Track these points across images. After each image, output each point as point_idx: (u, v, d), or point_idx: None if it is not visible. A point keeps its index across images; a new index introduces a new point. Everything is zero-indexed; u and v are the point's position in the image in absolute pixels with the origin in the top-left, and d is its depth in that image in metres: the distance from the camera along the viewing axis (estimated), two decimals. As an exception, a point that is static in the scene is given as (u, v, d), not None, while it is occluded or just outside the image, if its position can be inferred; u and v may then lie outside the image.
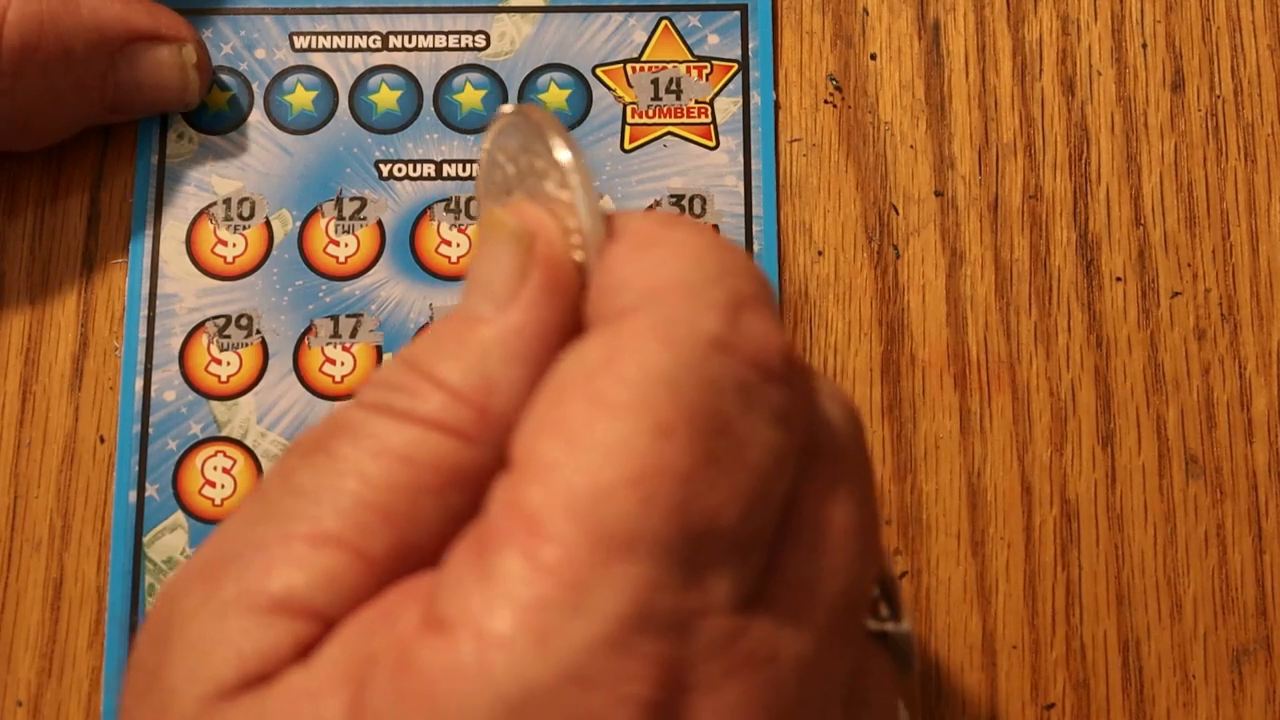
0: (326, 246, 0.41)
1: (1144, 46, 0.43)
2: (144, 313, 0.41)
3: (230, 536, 0.27)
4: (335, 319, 0.41)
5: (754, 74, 0.42)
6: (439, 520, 0.26)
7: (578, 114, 0.42)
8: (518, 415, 0.26)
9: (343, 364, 0.40)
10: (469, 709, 0.23)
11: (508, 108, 0.30)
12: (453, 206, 0.42)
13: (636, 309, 0.26)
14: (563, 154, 0.28)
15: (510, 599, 0.24)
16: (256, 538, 0.26)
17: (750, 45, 0.43)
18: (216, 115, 0.42)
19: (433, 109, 0.42)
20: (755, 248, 0.41)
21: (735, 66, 0.43)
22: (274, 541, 0.26)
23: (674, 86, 0.43)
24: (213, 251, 0.41)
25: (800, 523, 0.26)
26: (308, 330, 0.41)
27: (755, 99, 0.42)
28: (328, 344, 0.41)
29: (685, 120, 0.42)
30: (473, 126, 0.42)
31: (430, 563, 0.26)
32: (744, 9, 0.43)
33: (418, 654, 0.24)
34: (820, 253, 0.41)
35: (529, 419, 0.26)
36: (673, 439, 0.25)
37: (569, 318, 0.28)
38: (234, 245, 0.41)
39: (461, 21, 0.43)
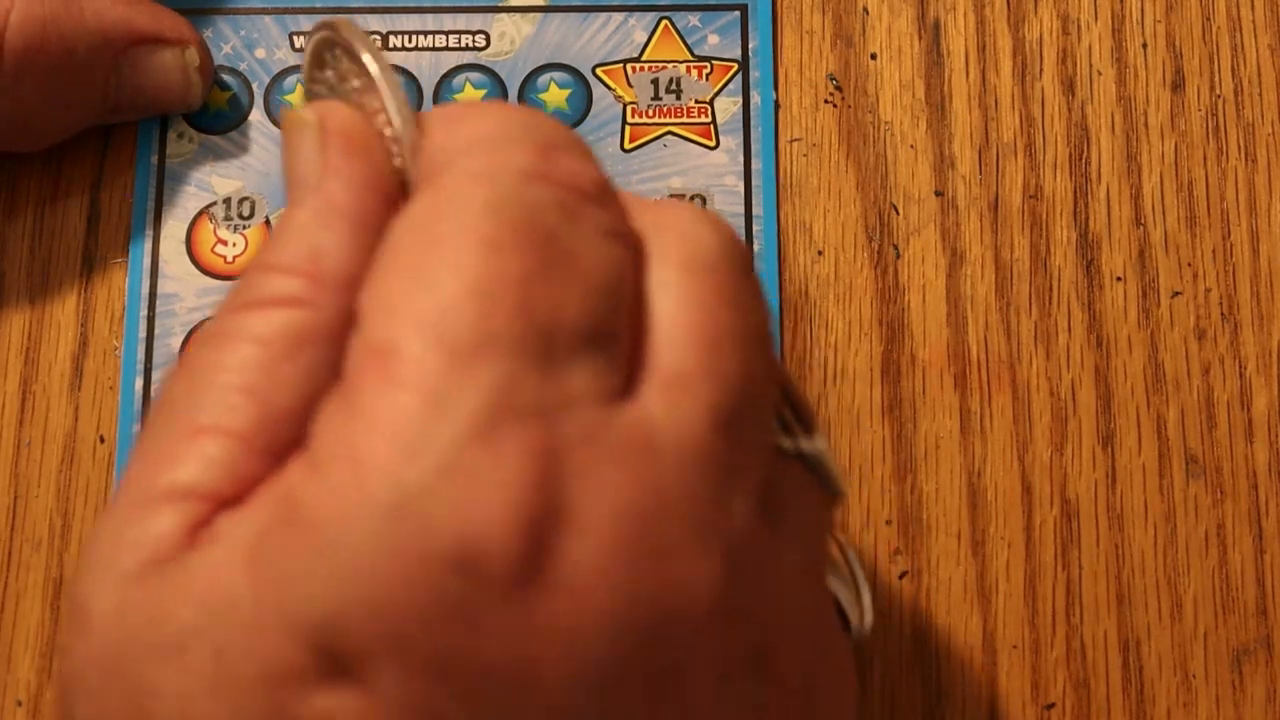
0: (326, 246, 0.41)
1: (1144, 46, 0.43)
2: (144, 313, 0.41)
3: (126, 468, 0.29)
4: (335, 319, 0.41)
5: (754, 74, 0.43)
6: (299, 383, 0.28)
7: (578, 114, 0.42)
8: (353, 269, 0.28)
9: (343, 364, 0.40)
10: (350, 523, 0.24)
11: (323, 23, 0.32)
12: (453, 206, 0.42)
13: (451, 163, 0.28)
14: (370, 63, 0.30)
15: (376, 421, 0.25)
16: (143, 454, 0.28)
17: (750, 45, 0.43)
18: (216, 115, 0.42)
19: (433, 108, 0.42)
20: (755, 247, 0.41)
21: (735, 66, 0.43)
22: (158, 449, 0.28)
23: (674, 86, 0.43)
24: (213, 251, 0.41)
25: (662, 323, 0.27)
26: (308, 330, 0.41)
27: (755, 99, 0.42)
28: (328, 344, 0.41)
29: (685, 120, 0.42)
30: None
31: (306, 423, 0.28)
32: (744, 9, 0.43)
33: (299, 495, 0.26)
34: (820, 252, 0.41)
35: (370, 278, 0.27)
36: (502, 251, 0.26)
37: (381, 177, 0.29)
38: (234, 245, 0.41)
39: (461, 21, 0.43)
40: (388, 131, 0.30)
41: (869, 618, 0.33)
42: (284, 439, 0.27)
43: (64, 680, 0.27)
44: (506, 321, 0.26)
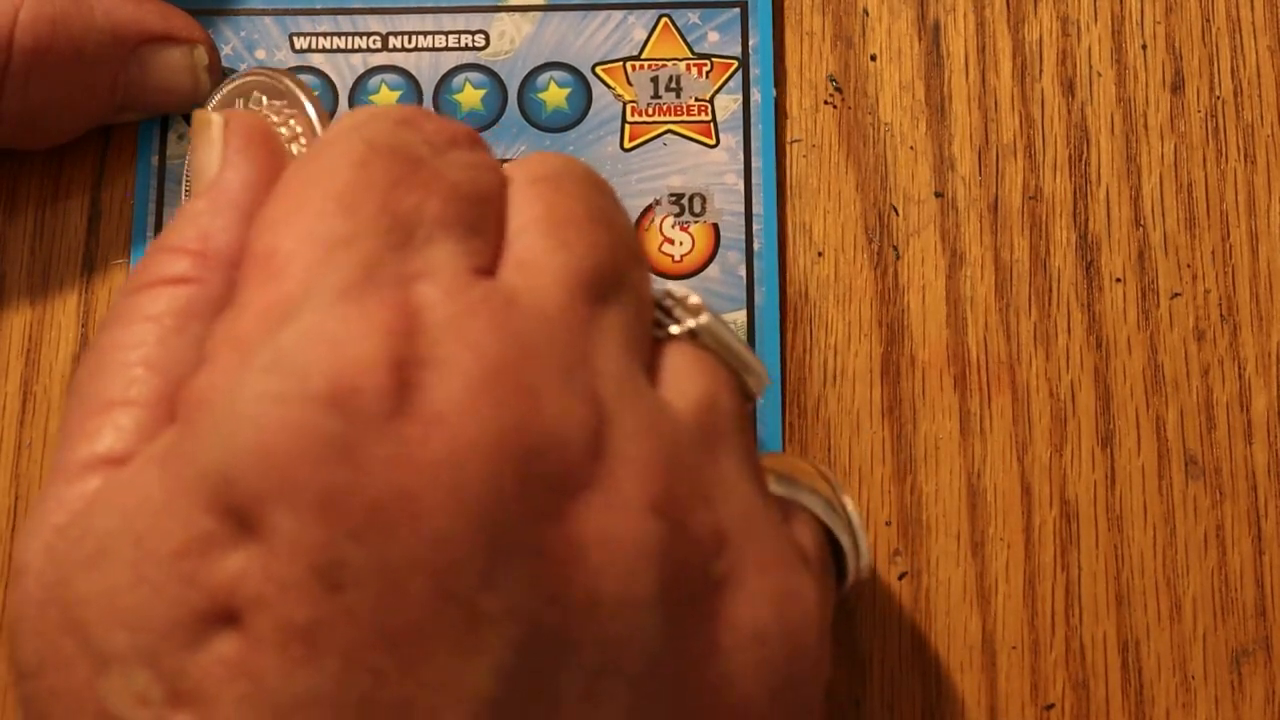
0: (327, 247, 0.41)
1: (1144, 47, 0.43)
2: (145, 314, 0.41)
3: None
4: (336, 320, 0.41)
5: (754, 71, 0.42)
6: (192, 350, 0.29)
7: (577, 113, 0.42)
8: (240, 248, 0.30)
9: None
10: (234, 390, 0.26)
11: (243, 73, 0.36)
12: (453, 207, 0.42)
13: (335, 126, 0.31)
14: (285, 81, 0.35)
15: (254, 308, 0.28)
16: (61, 439, 0.30)
17: (750, 42, 0.43)
18: (216, 116, 0.42)
19: (432, 109, 0.42)
20: (755, 247, 0.41)
21: (735, 64, 0.43)
22: (71, 431, 0.30)
23: (674, 84, 0.43)
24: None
25: (521, 220, 0.30)
26: (308, 331, 0.41)
27: (755, 96, 0.42)
28: (328, 345, 0.41)
29: (685, 118, 0.42)
30: (473, 126, 0.42)
31: None
32: (744, 6, 0.43)
33: (193, 392, 0.28)
34: (820, 253, 0.41)
35: (259, 214, 0.30)
36: (369, 167, 0.29)
37: (277, 171, 0.31)
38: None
39: (461, 21, 0.43)
40: (302, 142, 0.33)
41: (865, 559, 0.34)
42: None
43: (9, 637, 0.29)
44: (370, 215, 0.28)
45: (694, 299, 0.32)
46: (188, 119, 0.42)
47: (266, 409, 0.26)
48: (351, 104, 0.42)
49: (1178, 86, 0.43)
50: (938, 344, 0.41)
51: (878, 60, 0.43)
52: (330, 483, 0.25)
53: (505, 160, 0.32)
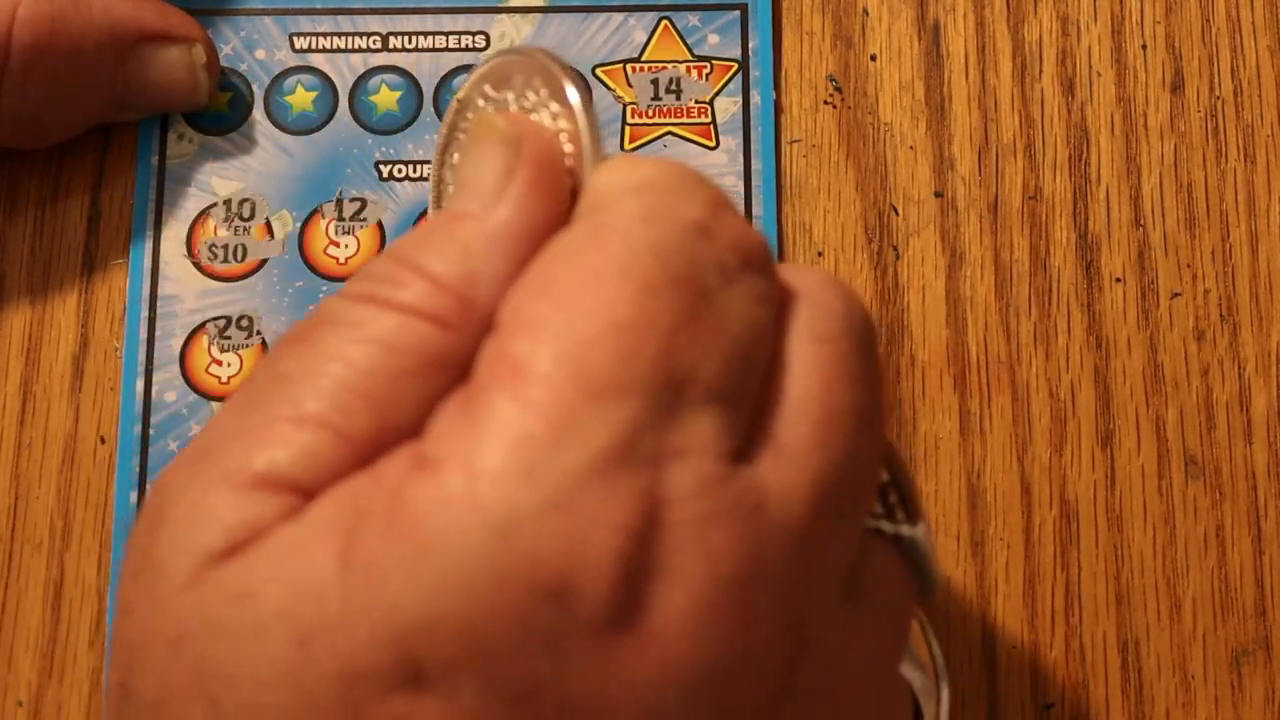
0: (327, 248, 0.41)
1: (1144, 47, 0.43)
2: (144, 314, 0.41)
3: (218, 426, 0.28)
4: (335, 320, 0.41)
5: (754, 73, 0.43)
6: (420, 403, 0.27)
7: (578, 114, 0.42)
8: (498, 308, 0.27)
9: (343, 365, 0.40)
10: (457, 535, 0.24)
11: (518, 50, 0.31)
12: (453, 207, 0.42)
13: (621, 199, 0.28)
14: (569, 86, 0.29)
15: (498, 435, 0.25)
16: (241, 423, 0.27)
17: (750, 45, 0.43)
18: (217, 116, 0.42)
19: (433, 110, 0.42)
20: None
21: (735, 66, 0.43)
22: (258, 424, 0.27)
23: (674, 86, 0.43)
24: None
25: (787, 392, 0.27)
26: (308, 331, 0.41)
27: (755, 99, 0.42)
28: (328, 345, 0.41)
29: (685, 120, 0.42)
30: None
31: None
32: (744, 8, 0.43)
33: (406, 492, 0.25)
34: (820, 253, 0.41)
35: (516, 288, 0.27)
36: (656, 297, 0.26)
37: (556, 219, 0.29)
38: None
39: (461, 22, 0.43)
40: (568, 150, 0.29)
41: (945, 712, 0.33)
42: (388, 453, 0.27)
43: (125, 644, 0.26)
44: (646, 368, 0.25)
45: (918, 500, 0.30)
46: (187, 119, 0.42)
47: (488, 580, 0.24)
48: (351, 104, 0.42)
49: (1178, 86, 0.43)
50: (937, 344, 0.41)
51: (878, 60, 0.43)
52: (530, 673, 0.24)
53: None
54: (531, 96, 0.30)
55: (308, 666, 0.24)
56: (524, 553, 0.24)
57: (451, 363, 0.27)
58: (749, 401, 0.27)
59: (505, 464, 0.25)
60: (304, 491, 0.26)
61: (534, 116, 0.30)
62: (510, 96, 0.31)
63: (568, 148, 0.29)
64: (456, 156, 0.32)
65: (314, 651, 0.24)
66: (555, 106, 0.30)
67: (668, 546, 0.25)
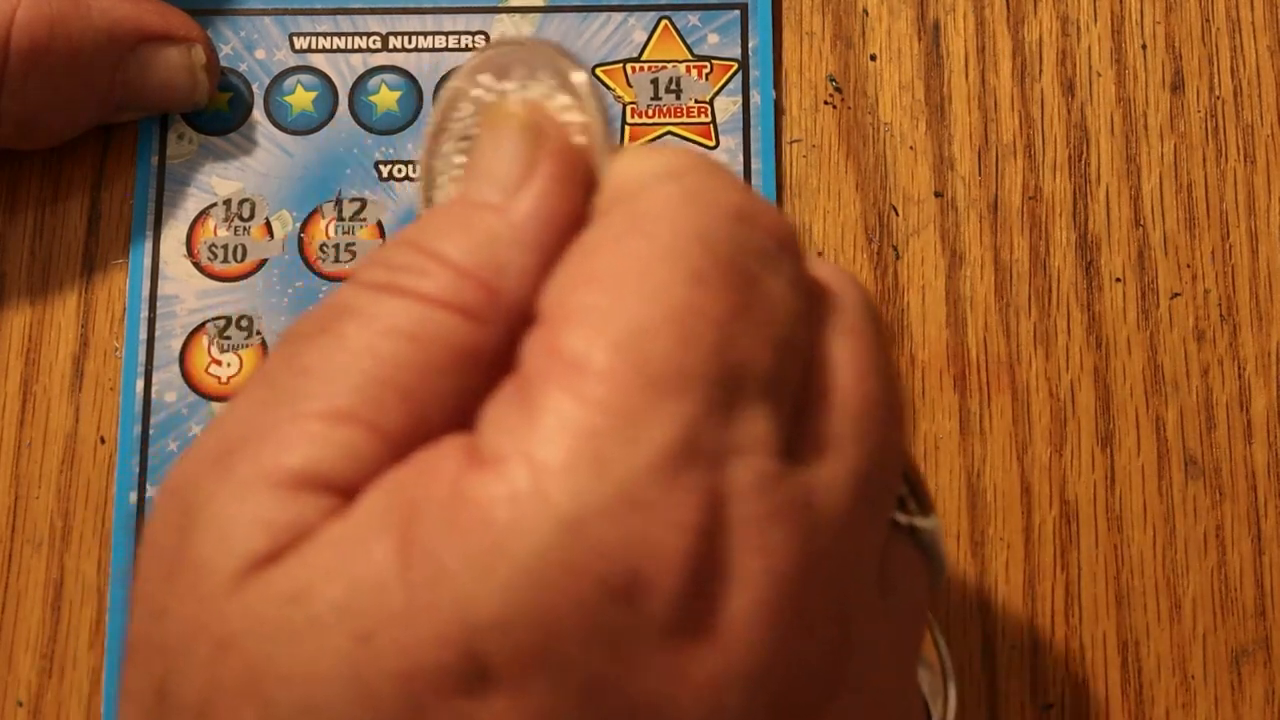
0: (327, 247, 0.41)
1: (1144, 48, 0.43)
2: (144, 314, 0.41)
3: (237, 421, 0.27)
4: (335, 320, 0.41)
5: (754, 73, 0.43)
6: (452, 399, 0.26)
7: (577, 114, 0.42)
8: (528, 302, 0.27)
9: (343, 365, 0.40)
10: (528, 531, 0.24)
11: (498, 41, 0.30)
12: (453, 207, 0.42)
13: (655, 187, 0.27)
14: (578, 76, 0.29)
15: (562, 430, 0.24)
16: (266, 419, 0.26)
17: (750, 44, 0.43)
18: (216, 116, 0.42)
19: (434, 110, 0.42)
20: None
21: (735, 66, 0.43)
22: (286, 421, 0.26)
23: (674, 86, 0.43)
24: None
25: (824, 385, 0.27)
26: (308, 331, 0.41)
27: (755, 98, 0.42)
28: (328, 345, 0.41)
29: (685, 120, 0.42)
30: (473, 127, 0.42)
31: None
32: (744, 8, 0.43)
33: (468, 488, 0.24)
34: (820, 253, 0.41)
35: (557, 279, 0.26)
36: (707, 285, 0.25)
37: (577, 212, 0.28)
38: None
39: (461, 22, 0.43)
40: (578, 139, 0.29)
41: (952, 711, 0.33)
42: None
43: (158, 648, 0.25)
44: (704, 359, 0.25)
45: (928, 494, 0.30)
46: (187, 119, 0.42)
47: (559, 576, 0.24)
48: (351, 104, 0.42)
49: (1178, 86, 0.43)
50: (937, 344, 0.41)
51: (877, 60, 0.43)
52: (599, 671, 0.24)
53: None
54: (537, 88, 0.30)
55: (370, 662, 0.24)
56: (595, 550, 0.24)
57: (481, 355, 0.26)
58: (793, 393, 0.27)
59: (571, 459, 0.24)
60: (344, 489, 0.25)
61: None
62: (512, 87, 0.30)
63: (578, 139, 0.29)
64: (448, 148, 0.31)
65: (376, 647, 0.24)
66: (563, 98, 0.29)
67: (730, 546, 0.25)
